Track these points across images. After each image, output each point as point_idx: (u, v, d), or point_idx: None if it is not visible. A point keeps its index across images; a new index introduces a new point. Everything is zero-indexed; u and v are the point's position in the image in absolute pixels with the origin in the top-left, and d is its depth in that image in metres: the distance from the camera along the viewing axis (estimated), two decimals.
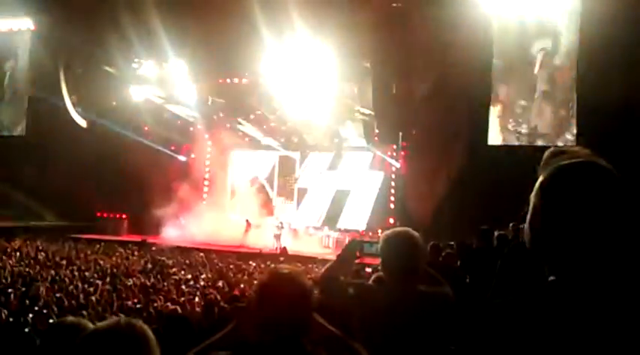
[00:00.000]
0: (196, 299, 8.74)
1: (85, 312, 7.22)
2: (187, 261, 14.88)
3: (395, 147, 20.47)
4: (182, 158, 24.36)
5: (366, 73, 17.80)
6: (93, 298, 8.76)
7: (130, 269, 12.83)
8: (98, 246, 17.66)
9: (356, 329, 2.38)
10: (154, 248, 18.22)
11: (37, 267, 12.19)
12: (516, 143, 16.02)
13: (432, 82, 16.42)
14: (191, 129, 23.62)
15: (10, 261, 12.83)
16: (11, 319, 6.76)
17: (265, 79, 18.83)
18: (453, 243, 8.47)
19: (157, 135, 22.69)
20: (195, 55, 19.21)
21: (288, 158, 23.87)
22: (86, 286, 9.90)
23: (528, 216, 1.14)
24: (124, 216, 23.40)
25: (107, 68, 20.79)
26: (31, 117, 22.52)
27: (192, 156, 23.97)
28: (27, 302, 8.21)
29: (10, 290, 8.90)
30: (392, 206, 20.48)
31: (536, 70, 15.84)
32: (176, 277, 11.45)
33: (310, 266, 13.69)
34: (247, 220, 21.44)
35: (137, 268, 13.28)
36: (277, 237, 20.24)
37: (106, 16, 18.43)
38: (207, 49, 18.61)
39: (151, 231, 21.67)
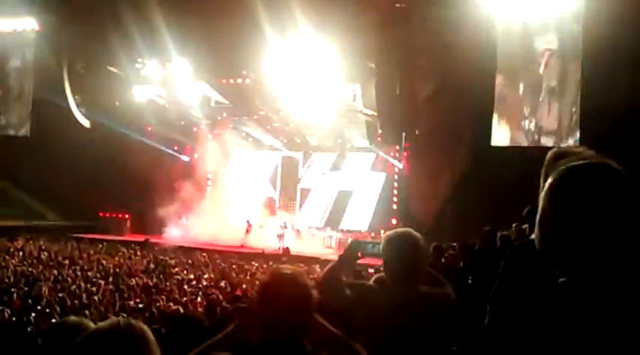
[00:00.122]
0: (199, 299, 8.75)
1: (87, 312, 7.23)
2: (190, 261, 14.89)
3: (398, 147, 20.45)
4: (185, 158, 24.39)
5: (370, 74, 17.78)
6: (95, 298, 8.78)
7: (132, 269, 12.85)
8: (101, 245, 17.70)
9: (357, 330, 2.38)
10: (156, 248, 18.25)
11: (40, 267, 12.22)
12: (523, 143, 15.96)
13: (436, 82, 16.41)
14: (194, 129, 23.65)
15: (13, 261, 12.88)
16: (14, 318, 6.78)
17: (269, 79, 18.84)
18: (455, 244, 8.45)
19: (160, 135, 22.74)
20: (198, 55, 19.24)
21: (291, 158, 23.89)
22: (89, 286, 9.92)
23: (537, 218, 1.14)
24: (126, 216, 23.44)
25: (111, 68, 20.85)
26: (35, 118, 22.59)
27: (196, 156, 23.98)
28: (29, 301, 8.23)
29: (12, 289, 8.93)
30: (395, 206, 20.46)
31: (541, 70, 15.80)
32: (178, 277, 11.46)
33: (313, 266, 13.68)
34: (248, 221, 21.46)
35: (140, 268, 13.31)
36: (280, 237, 20.28)
37: (110, 17, 18.47)
38: (210, 48, 18.65)
39: (154, 231, 21.72)
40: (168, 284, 10.57)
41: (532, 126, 15.95)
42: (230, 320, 1.96)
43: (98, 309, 8.02)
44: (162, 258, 15.09)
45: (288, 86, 18.63)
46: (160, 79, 20.57)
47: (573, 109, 15.28)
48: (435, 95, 16.38)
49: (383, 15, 16.06)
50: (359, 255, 2.74)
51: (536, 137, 15.88)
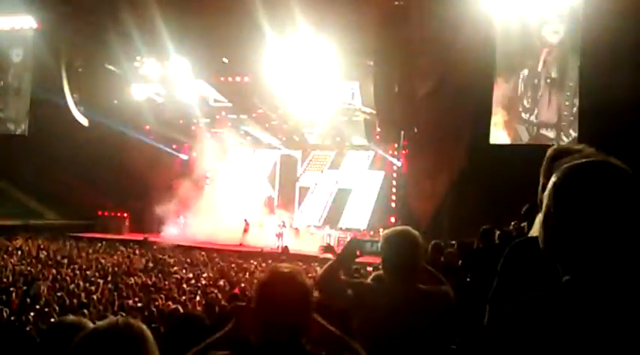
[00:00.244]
0: (197, 298, 8.75)
1: (86, 311, 7.23)
2: (189, 260, 14.90)
3: (396, 145, 20.46)
4: (184, 156, 24.39)
5: (368, 72, 17.77)
6: (94, 297, 8.79)
7: (131, 268, 12.85)
8: (99, 244, 17.70)
9: (356, 328, 2.38)
10: (155, 247, 18.24)
11: (39, 266, 12.22)
12: (523, 137, 15.95)
13: (434, 80, 16.39)
14: (193, 127, 23.63)
15: (12, 260, 12.87)
16: (12, 318, 6.78)
17: (267, 78, 18.82)
18: (454, 242, 8.46)
19: (158, 134, 22.72)
20: (197, 53, 19.21)
21: (289, 157, 23.89)
22: (87, 285, 9.92)
23: (542, 216, 1.13)
24: (125, 215, 23.42)
25: (109, 66, 20.80)
26: (33, 117, 22.54)
27: (194, 154, 23.96)
28: (28, 300, 8.23)
29: (11, 288, 8.94)
30: (393, 205, 20.48)
31: (540, 66, 15.81)
32: (177, 276, 11.47)
33: (312, 265, 13.69)
34: (245, 220, 21.45)
35: (138, 267, 13.31)
36: (279, 235, 20.28)
37: (108, 15, 18.42)
38: (209, 47, 18.61)
39: (153, 229, 21.72)
40: (167, 283, 10.57)
41: (532, 118, 15.94)
42: (229, 319, 1.96)
43: (97, 308, 8.02)
44: (161, 256, 15.09)
45: (286, 84, 18.62)
46: (158, 78, 20.52)
47: (575, 101, 15.29)
48: (433, 93, 16.37)
49: (382, 13, 16.04)
50: (357, 253, 2.74)
51: (536, 130, 15.88)
